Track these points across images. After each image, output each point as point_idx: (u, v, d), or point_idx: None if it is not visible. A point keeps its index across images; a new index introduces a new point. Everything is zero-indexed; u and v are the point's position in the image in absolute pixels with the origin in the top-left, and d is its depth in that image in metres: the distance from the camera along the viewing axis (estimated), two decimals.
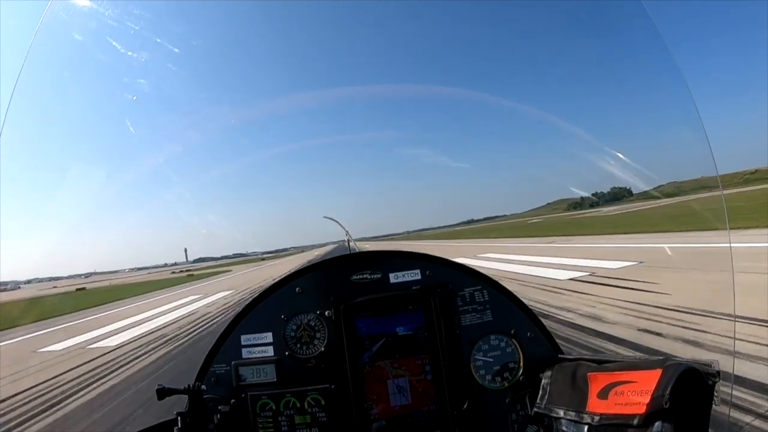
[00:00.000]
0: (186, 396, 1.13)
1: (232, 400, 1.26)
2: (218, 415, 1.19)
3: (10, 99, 1.37)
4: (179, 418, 1.12)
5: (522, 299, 1.40)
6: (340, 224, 2.16)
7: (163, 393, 1.12)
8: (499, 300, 1.38)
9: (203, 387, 1.16)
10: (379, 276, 1.37)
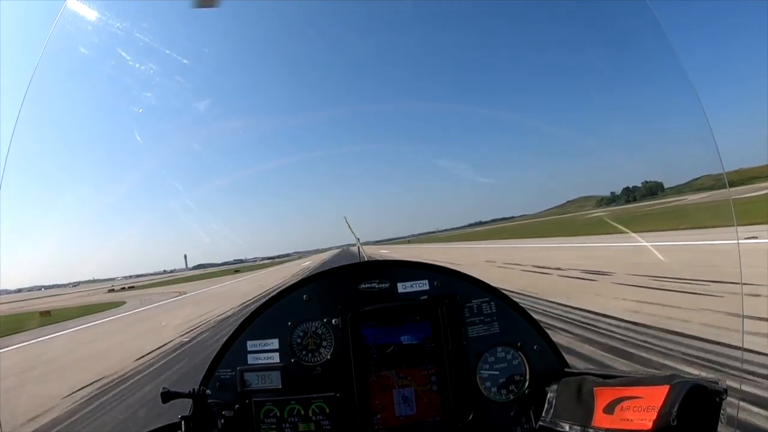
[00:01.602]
0: (190, 400, 1.22)
1: (237, 406, 1.35)
2: (222, 420, 1.28)
3: (20, 109, 1.50)
4: (183, 422, 1.20)
5: (529, 311, 1.47)
6: (351, 229, 2.25)
7: (167, 396, 1.21)
8: (506, 312, 1.45)
9: (208, 391, 1.24)
10: (387, 285, 1.45)
